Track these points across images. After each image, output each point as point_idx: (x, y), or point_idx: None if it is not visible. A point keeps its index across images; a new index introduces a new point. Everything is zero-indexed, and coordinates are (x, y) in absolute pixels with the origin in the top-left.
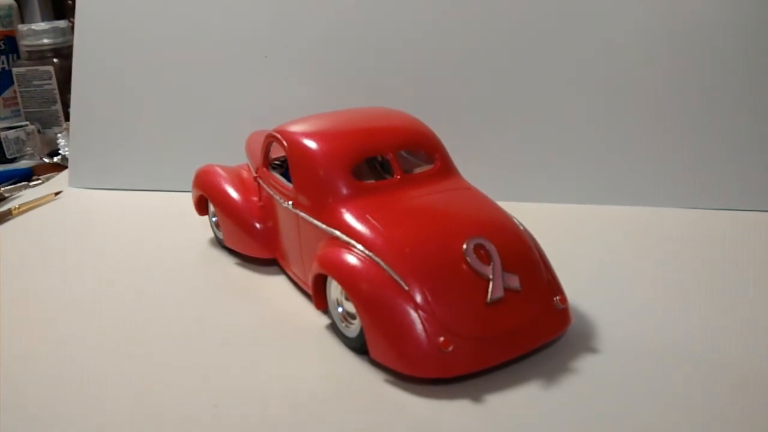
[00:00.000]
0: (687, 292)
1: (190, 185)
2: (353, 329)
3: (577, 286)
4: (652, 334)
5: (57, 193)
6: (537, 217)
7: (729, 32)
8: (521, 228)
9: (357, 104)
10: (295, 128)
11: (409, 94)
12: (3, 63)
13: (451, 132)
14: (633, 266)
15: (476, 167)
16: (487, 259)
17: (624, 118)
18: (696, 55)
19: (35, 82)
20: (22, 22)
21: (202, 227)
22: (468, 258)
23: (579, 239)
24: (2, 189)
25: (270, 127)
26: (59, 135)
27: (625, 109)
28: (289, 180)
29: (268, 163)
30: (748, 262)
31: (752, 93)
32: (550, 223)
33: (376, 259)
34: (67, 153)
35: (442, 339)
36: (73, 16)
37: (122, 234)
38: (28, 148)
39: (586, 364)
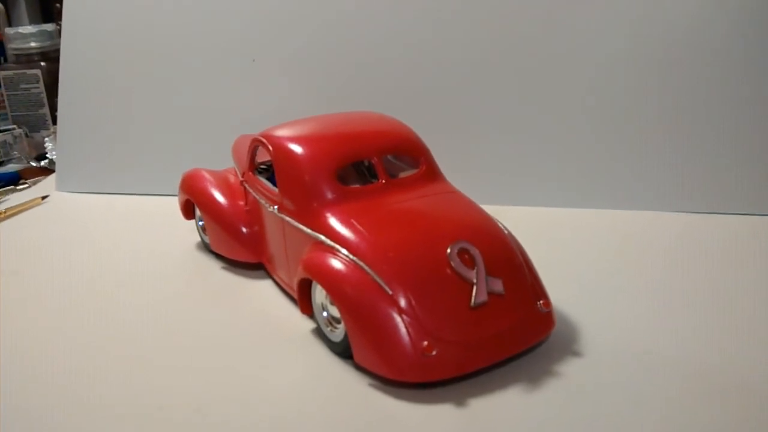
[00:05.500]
0: (674, 297)
1: (176, 189)
2: (338, 333)
3: (563, 290)
4: (637, 339)
5: (44, 197)
6: (524, 221)
7: (724, 38)
8: (505, 232)
9: (345, 108)
10: (281, 132)
11: (398, 98)
12: None
13: (439, 135)
14: (620, 270)
15: (464, 171)
16: (471, 263)
17: (613, 121)
18: (689, 58)
19: (23, 86)
20: (10, 25)
21: (189, 231)
22: (452, 262)
23: (566, 243)
24: None
25: (257, 131)
26: (46, 139)
27: (614, 113)
28: (274, 184)
29: (254, 167)
30: (737, 267)
31: (747, 97)
32: (537, 227)
33: (361, 263)
34: (54, 157)
35: (425, 343)
36: (60, 20)
37: (109, 238)
38: (15, 152)
39: (570, 368)
